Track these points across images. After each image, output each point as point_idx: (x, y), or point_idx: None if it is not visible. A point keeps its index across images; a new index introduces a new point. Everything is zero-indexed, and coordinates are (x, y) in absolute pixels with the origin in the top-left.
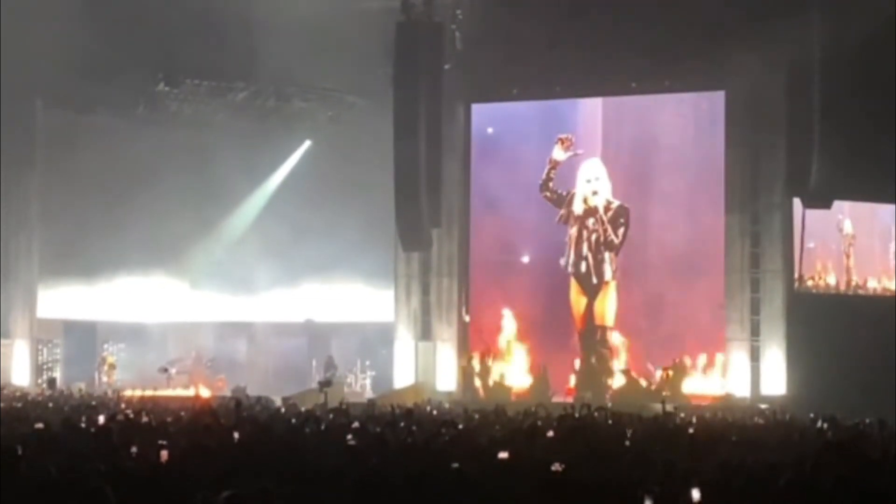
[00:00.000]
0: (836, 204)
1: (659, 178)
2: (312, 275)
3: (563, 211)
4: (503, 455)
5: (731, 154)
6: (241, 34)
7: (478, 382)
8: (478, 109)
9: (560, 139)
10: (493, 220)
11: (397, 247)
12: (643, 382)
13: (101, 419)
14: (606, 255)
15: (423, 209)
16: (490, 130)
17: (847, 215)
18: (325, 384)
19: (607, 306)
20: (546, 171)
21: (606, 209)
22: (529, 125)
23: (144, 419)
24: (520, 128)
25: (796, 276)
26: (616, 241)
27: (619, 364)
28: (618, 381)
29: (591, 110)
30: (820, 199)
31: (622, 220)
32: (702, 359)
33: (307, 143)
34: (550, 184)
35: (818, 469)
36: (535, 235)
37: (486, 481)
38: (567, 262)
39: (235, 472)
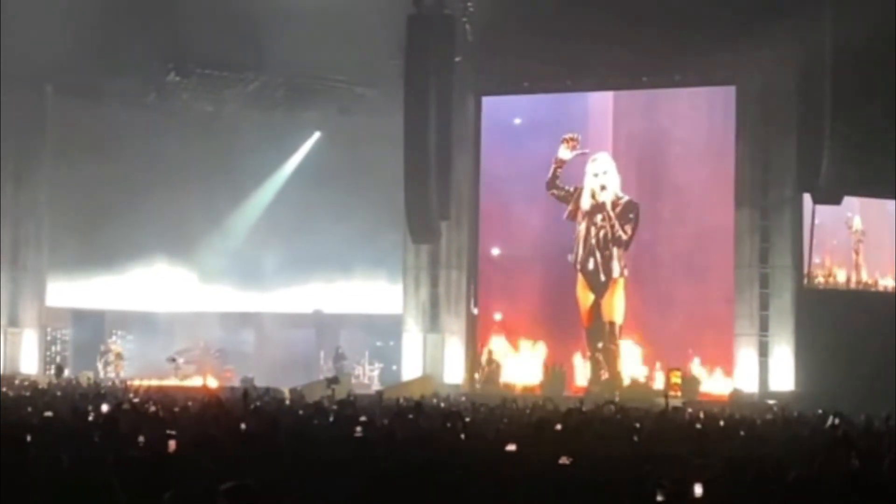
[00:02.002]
0: (846, 200)
1: (669, 171)
2: (321, 266)
3: (570, 207)
4: (511, 447)
5: (741, 149)
6: (252, 25)
7: (487, 377)
8: (488, 101)
9: (565, 139)
10: (503, 212)
11: (406, 238)
12: (653, 385)
13: (109, 408)
14: (615, 251)
15: (433, 201)
16: (518, 121)
17: (856, 212)
18: (333, 381)
19: (615, 303)
20: (552, 170)
21: (615, 204)
22: (539, 117)
23: (152, 409)
24: (530, 119)
25: (806, 271)
26: (624, 237)
27: (628, 365)
28: (626, 380)
29: (601, 102)
30: (830, 195)
31: (631, 216)
32: (711, 356)
33: (317, 135)
34: (557, 181)
35: (826, 465)
36: (545, 229)
37: (493, 474)
38: (575, 259)
39: (243, 463)
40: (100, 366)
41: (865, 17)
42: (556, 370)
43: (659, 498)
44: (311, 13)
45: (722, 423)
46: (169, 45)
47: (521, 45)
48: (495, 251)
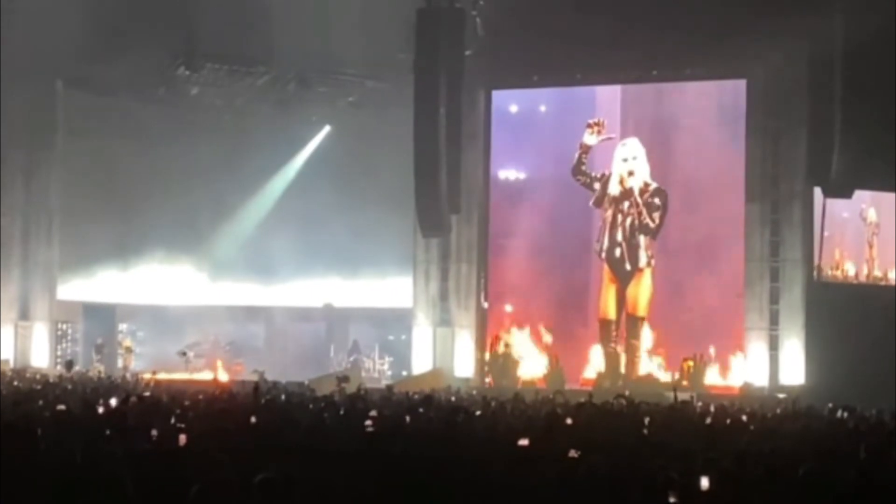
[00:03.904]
0: (860, 192)
1: (678, 162)
2: (331, 260)
3: (597, 194)
4: (523, 442)
5: (752, 142)
6: (262, 18)
7: (502, 371)
8: (496, 91)
9: (590, 124)
10: (512, 205)
11: (416, 232)
12: (666, 377)
13: (118, 402)
14: (641, 239)
15: (443, 195)
16: (514, 109)
17: (870, 203)
18: (343, 380)
19: (640, 294)
20: (577, 155)
21: (643, 191)
22: (548, 106)
23: (162, 402)
24: (535, 109)
25: (816, 265)
26: (652, 224)
27: (645, 359)
28: (641, 372)
29: (609, 90)
30: (840, 189)
31: (659, 203)
32: (721, 349)
33: (327, 129)
34: (583, 167)
35: (837, 459)
36: (556, 221)
37: (503, 467)
38: (601, 247)
39: (253, 456)
40: (95, 358)
41: (876, 10)
42: (557, 366)
43: (672, 500)
44: (322, 7)
45: (731, 416)
46: (179, 39)
47: (531, 38)
48: (505, 244)
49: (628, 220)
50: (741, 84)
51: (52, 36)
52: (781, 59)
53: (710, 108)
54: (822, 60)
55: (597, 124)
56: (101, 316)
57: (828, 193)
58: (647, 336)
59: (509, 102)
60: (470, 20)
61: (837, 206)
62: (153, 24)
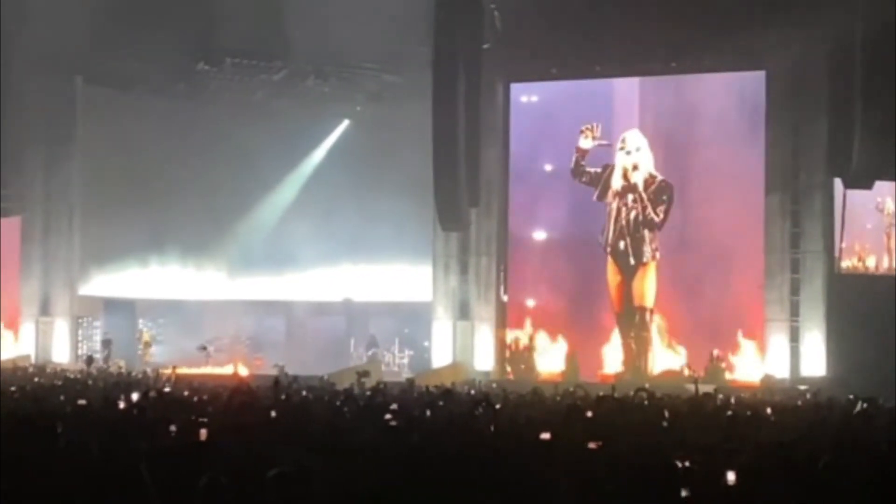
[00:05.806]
0: (877, 183)
1: (698, 153)
2: (351, 254)
3: (600, 187)
4: (545, 436)
5: (772, 133)
6: (280, 13)
7: (509, 366)
8: (516, 84)
9: (583, 129)
10: (532, 198)
11: (436, 226)
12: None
13: (139, 397)
14: (646, 233)
15: (462, 188)
16: (534, 98)
17: (888, 194)
18: (364, 374)
19: (646, 287)
20: (574, 158)
21: (648, 184)
22: (566, 95)
23: (184, 395)
24: (554, 97)
25: (836, 256)
26: (657, 219)
27: (659, 351)
28: (657, 365)
29: (628, 81)
30: (861, 179)
31: (665, 197)
32: (741, 342)
33: (345, 123)
34: (581, 168)
35: (857, 451)
36: (575, 214)
37: (523, 460)
38: (605, 241)
39: (274, 451)
40: (101, 353)
41: None
42: (572, 360)
43: (684, 493)
44: (339, 0)
45: (752, 408)
46: (198, 35)
47: (550, 31)
48: (524, 237)
49: (632, 214)
50: (761, 75)
51: (70, 31)
52: (801, 50)
53: (730, 99)
54: (841, 51)
55: (590, 129)
56: (122, 311)
57: (848, 184)
58: (658, 327)
59: (528, 95)
60: (488, 13)
61: (859, 196)
62: (172, 20)
